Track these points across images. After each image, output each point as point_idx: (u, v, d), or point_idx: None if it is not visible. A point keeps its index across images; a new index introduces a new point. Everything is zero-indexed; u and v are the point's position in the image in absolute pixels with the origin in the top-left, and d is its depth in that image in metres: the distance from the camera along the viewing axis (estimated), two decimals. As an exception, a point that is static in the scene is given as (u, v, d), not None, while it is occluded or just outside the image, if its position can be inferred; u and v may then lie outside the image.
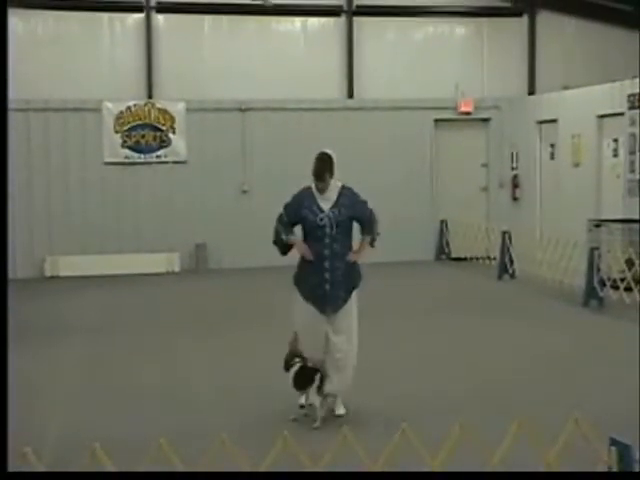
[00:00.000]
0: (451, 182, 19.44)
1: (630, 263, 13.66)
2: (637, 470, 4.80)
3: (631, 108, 15.52)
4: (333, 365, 7.80)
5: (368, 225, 8.06)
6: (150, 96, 18.53)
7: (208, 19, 18.94)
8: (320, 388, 7.67)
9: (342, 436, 5.22)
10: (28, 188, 17.65)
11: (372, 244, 8.14)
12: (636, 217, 14.73)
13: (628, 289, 13.31)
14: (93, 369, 10.00)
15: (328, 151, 7.97)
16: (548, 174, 18.32)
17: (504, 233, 16.48)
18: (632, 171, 15.58)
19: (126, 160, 18.25)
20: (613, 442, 4.93)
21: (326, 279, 7.81)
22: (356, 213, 7.95)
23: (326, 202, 7.85)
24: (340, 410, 7.90)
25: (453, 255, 19.10)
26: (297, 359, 7.80)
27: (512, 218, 18.83)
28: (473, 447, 5.33)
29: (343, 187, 7.93)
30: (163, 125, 18.35)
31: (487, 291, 15.40)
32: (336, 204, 7.85)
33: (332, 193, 7.87)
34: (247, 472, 5.10)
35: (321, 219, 7.80)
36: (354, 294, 7.96)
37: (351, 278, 7.94)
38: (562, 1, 20.01)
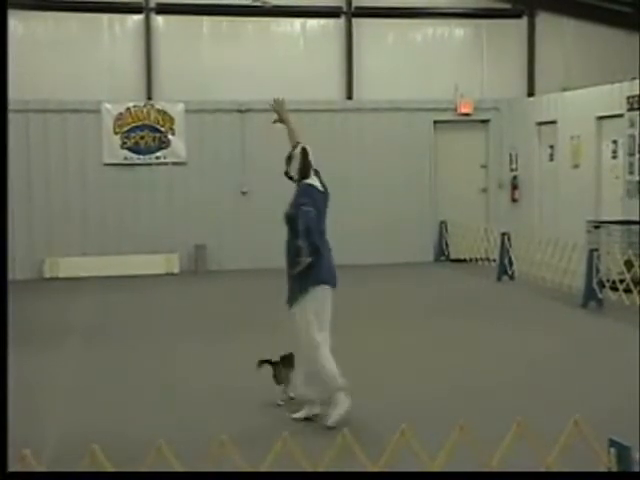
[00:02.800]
0: (450, 183, 19.45)
1: (629, 264, 13.66)
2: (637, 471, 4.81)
3: (630, 109, 15.53)
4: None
5: (297, 230, 7.65)
6: (149, 97, 18.55)
7: (207, 20, 18.96)
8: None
9: (342, 437, 5.22)
10: (27, 189, 17.66)
11: (299, 254, 7.58)
12: (635, 218, 14.74)
13: (627, 290, 13.31)
14: (92, 370, 9.99)
15: (298, 142, 8.07)
16: (547, 175, 18.33)
17: (503, 234, 16.49)
18: (631, 172, 15.59)
19: (125, 161, 18.26)
20: (612, 443, 4.93)
21: (287, 272, 7.86)
22: (287, 212, 7.83)
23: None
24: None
25: (452, 256, 19.11)
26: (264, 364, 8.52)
27: (511, 219, 18.84)
28: (472, 449, 5.33)
29: (303, 184, 7.86)
30: (162, 126, 18.36)
31: (486, 292, 15.40)
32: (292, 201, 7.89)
33: (296, 188, 7.93)
34: (247, 472, 5.10)
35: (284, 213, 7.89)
36: (304, 297, 7.68)
37: (306, 278, 7.68)
38: (561, 3, 20.03)
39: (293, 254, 7.66)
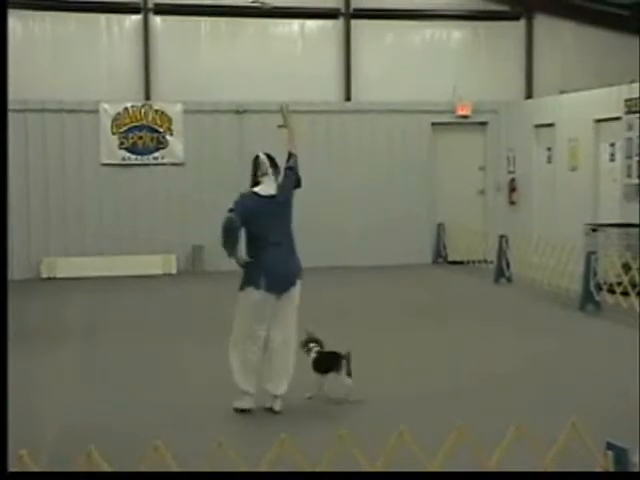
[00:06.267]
0: (448, 185, 19.44)
1: (627, 267, 13.66)
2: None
3: (628, 112, 15.54)
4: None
5: None
6: (147, 97, 18.54)
7: (206, 21, 18.94)
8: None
9: (339, 438, 5.22)
10: (25, 189, 17.63)
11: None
12: (633, 221, 14.75)
13: (625, 293, 13.31)
14: (90, 370, 9.99)
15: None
16: (545, 178, 18.33)
17: (501, 237, 16.49)
18: (629, 175, 15.60)
19: (123, 161, 18.24)
20: (610, 446, 4.93)
21: None
22: None
23: None
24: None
25: (450, 258, 19.10)
26: (312, 344, 8.38)
27: (509, 222, 18.84)
28: (470, 450, 5.33)
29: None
30: (160, 127, 18.34)
31: (484, 295, 15.40)
32: None
33: None
34: (246, 472, 5.10)
35: None
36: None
37: (242, 277, 8.28)
38: (559, 5, 20.04)
39: None
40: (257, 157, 8.23)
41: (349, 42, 19.32)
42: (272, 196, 8.10)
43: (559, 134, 17.69)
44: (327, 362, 8.25)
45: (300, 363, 8.25)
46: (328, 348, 8.48)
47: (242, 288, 8.09)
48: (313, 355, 8.37)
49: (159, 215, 18.29)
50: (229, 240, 8.07)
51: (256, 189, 8.12)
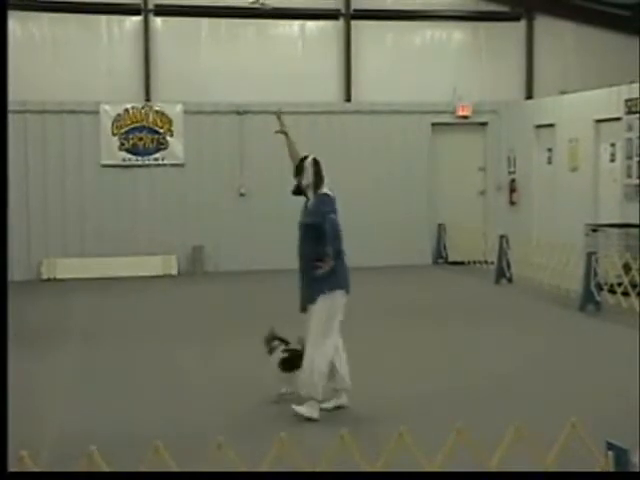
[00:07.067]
0: (449, 186, 19.44)
1: (627, 268, 13.66)
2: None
3: (628, 113, 15.54)
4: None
5: (322, 236, 7.88)
6: (148, 99, 18.54)
7: (206, 22, 18.95)
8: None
9: (340, 439, 5.22)
10: (25, 190, 17.63)
11: (320, 260, 7.91)
12: (633, 222, 14.75)
13: (625, 294, 13.31)
14: (90, 371, 9.99)
15: (306, 155, 8.16)
16: (545, 178, 18.33)
17: (501, 237, 16.49)
18: (629, 176, 15.61)
19: (123, 163, 18.24)
20: (610, 446, 4.93)
21: (300, 277, 8.15)
22: (310, 220, 8.00)
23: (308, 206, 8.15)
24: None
25: (450, 259, 19.10)
26: (276, 342, 8.41)
27: (509, 222, 18.83)
28: (470, 451, 5.33)
29: (320, 194, 8.01)
30: (161, 128, 18.34)
31: (484, 295, 15.40)
32: (307, 208, 8.10)
33: (312, 198, 8.08)
34: (245, 472, 5.10)
35: (299, 221, 8.14)
36: (320, 299, 7.93)
37: (318, 282, 7.95)
38: (560, 6, 20.05)
39: (312, 259, 7.92)
40: (317, 161, 8.09)
41: (349, 43, 19.33)
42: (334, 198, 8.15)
43: (559, 134, 17.69)
44: (297, 360, 8.13)
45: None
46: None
47: (325, 292, 7.94)
48: (281, 355, 8.37)
49: (159, 216, 18.28)
50: (340, 245, 8.02)
51: (326, 191, 8.06)
